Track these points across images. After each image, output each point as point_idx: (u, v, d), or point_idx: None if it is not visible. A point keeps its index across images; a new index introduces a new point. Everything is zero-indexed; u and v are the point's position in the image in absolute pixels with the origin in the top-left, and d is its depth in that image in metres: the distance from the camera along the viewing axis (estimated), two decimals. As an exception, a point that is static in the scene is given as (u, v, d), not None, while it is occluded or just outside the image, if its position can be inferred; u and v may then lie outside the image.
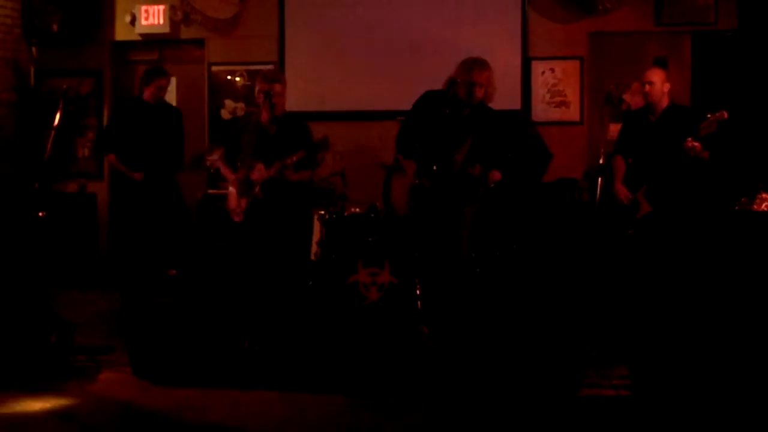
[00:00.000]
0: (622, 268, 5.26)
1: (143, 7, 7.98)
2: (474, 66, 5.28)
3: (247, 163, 5.51)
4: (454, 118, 5.29)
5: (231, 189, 5.61)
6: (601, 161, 5.15)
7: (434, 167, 5.22)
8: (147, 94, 6.48)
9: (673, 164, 5.22)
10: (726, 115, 5.02)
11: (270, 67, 7.70)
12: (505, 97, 6.19)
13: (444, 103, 5.26)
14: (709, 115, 5.08)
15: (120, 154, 6.48)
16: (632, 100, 6.61)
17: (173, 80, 8.22)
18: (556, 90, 7.57)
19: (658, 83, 5.43)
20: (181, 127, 6.70)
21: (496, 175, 5.30)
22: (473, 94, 5.29)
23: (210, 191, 7.52)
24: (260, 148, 5.48)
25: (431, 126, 5.26)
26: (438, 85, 5.41)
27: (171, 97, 8.19)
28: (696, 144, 5.09)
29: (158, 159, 6.44)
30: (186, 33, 8.06)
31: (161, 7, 7.96)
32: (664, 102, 5.48)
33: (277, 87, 5.51)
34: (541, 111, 7.55)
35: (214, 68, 8.04)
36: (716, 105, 5.23)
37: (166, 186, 6.53)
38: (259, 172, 5.43)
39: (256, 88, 5.58)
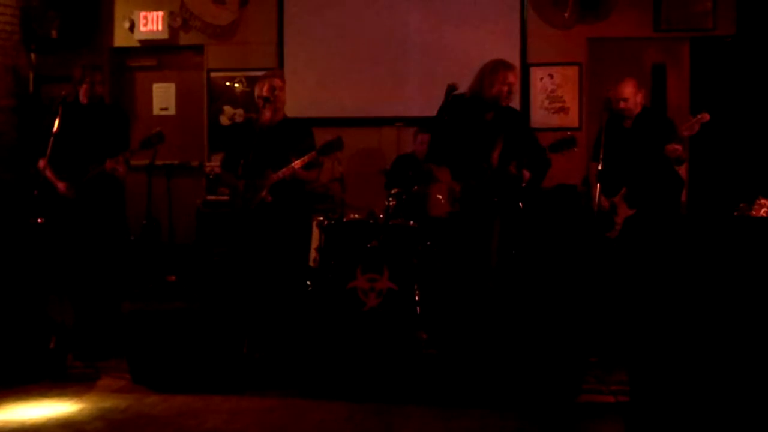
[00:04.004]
0: (619, 272, 5.26)
1: (142, 14, 8.00)
2: (507, 68, 5.28)
3: (252, 168, 5.48)
4: (480, 121, 5.30)
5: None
6: (599, 167, 5.18)
7: (471, 177, 5.23)
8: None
9: (650, 167, 5.31)
10: (708, 116, 5.15)
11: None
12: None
13: (469, 108, 5.28)
14: (691, 117, 5.26)
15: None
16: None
17: (172, 86, 8.26)
18: (555, 96, 7.59)
19: (631, 97, 5.55)
20: (120, 126, 5.78)
21: (526, 174, 5.30)
22: (505, 96, 5.27)
23: (209, 197, 7.52)
24: (261, 150, 5.47)
25: (460, 131, 5.26)
26: (438, 90, 5.40)
27: (170, 103, 8.21)
28: (678, 146, 5.20)
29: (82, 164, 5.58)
30: (185, 39, 8.07)
31: (160, 14, 7.98)
32: (638, 108, 5.60)
33: (277, 81, 5.52)
34: (539, 117, 7.56)
35: (213, 74, 8.05)
36: (715, 111, 5.30)
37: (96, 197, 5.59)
38: (268, 179, 5.41)
39: (255, 92, 5.58)
